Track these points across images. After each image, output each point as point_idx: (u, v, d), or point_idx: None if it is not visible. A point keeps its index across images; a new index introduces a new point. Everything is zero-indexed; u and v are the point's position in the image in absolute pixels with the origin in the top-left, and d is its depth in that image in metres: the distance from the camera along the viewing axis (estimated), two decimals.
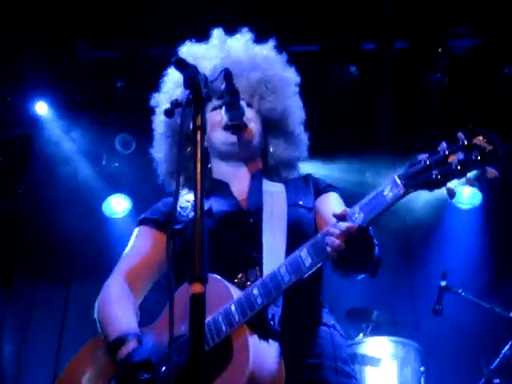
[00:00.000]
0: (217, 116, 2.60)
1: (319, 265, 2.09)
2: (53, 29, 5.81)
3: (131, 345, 2.25)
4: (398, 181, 1.94)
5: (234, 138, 2.60)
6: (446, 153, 1.87)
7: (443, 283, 5.45)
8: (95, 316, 2.50)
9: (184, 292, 1.86)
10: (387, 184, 1.97)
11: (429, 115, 6.22)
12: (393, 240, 7.01)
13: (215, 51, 2.75)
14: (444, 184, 1.89)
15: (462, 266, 5.90)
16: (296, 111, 2.81)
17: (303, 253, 2.08)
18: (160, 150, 2.82)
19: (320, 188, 2.62)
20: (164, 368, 2.17)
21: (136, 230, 2.71)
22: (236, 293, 2.18)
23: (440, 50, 5.97)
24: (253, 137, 2.64)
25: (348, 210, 2.03)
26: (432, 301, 5.47)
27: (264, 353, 2.10)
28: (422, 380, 5.19)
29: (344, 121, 6.49)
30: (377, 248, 2.17)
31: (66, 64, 6.08)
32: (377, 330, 5.65)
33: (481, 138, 1.84)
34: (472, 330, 6.51)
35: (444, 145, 1.89)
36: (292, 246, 2.25)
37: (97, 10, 5.69)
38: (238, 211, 2.51)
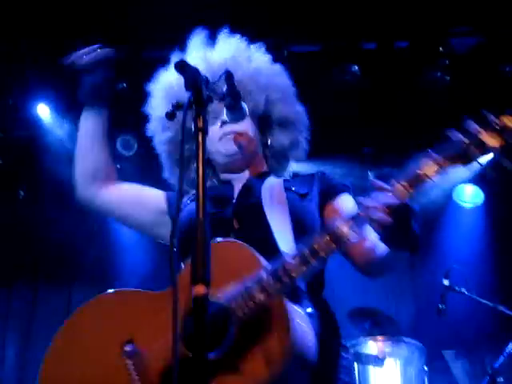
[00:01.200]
0: (215, 130, 2.62)
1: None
2: (54, 30, 5.81)
3: None
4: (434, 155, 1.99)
5: (231, 145, 2.61)
6: (479, 130, 1.96)
7: (446, 282, 5.44)
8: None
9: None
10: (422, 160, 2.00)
11: (430, 115, 6.21)
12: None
13: (212, 51, 2.77)
14: (477, 158, 1.99)
15: (464, 265, 5.88)
16: (289, 97, 2.80)
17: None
18: (163, 152, 2.85)
19: (330, 187, 2.57)
20: None
21: None
22: (265, 262, 2.07)
23: (441, 48, 5.97)
24: (249, 143, 2.65)
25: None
26: (435, 300, 5.47)
27: (300, 321, 2.04)
28: (426, 379, 5.19)
29: (345, 121, 6.49)
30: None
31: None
32: (380, 330, 5.65)
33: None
34: (475, 329, 6.51)
35: (473, 124, 1.97)
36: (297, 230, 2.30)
37: (98, 11, 5.70)
38: (231, 210, 2.49)
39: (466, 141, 1.97)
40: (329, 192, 2.56)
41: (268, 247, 2.24)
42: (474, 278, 6.14)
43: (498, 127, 1.91)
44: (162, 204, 2.68)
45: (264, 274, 1.99)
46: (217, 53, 2.76)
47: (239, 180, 2.66)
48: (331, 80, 6.16)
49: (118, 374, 2.07)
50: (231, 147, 2.62)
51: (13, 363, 7.05)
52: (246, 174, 2.68)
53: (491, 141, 1.93)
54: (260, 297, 1.96)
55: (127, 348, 2.09)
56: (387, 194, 2.00)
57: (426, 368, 5.21)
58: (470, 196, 7.03)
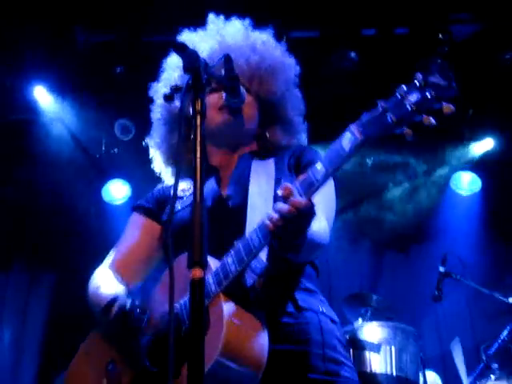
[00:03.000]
0: (213, 98, 2.56)
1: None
2: (51, 12, 5.78)
3: (123, 300, 2.31)
4: (356, 128, 1.91)
5: (228, 118, 2.55)
6: (403, 95, 1.85)
7: (442, 269, 5.46)
8: (88, 303, 2.54)
9: (182, 262, 1.86)
10: (345, 133, 1.94)
11: None
12: (392, 226, 7.04)
13: (212, 35, 2.72)
14: (401, 126, 1.84)
15: (461, 252, 5.90)
16: (295, 100, 2.78)
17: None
18: (157, 137, 2.80)
19: (301, 164, 2.54)
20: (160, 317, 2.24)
21: (130, 217, 2.74)
22: (214, 265, 2.17)
23: (440, 35, 5.95)
24: (248, 122, 2.62)
25: (290, 185, 1.97)
26: (431, 286, 5.49)
27: (243, 321, 2.09)
28: (421, 365, 5.21)
29: (344, 107, 6.47)
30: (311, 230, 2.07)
31: (65, 48, 6.05)
32: (376, 316, 5.66)
33: (437, 74, 1.83)
34: (471, 316, 6.53)
35: (402, 87, 1.87)
36: None
37: None
38: (217, 199, 2.49)
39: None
40: (299, 169, 2.53)
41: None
42: (471, 264, 6.17)
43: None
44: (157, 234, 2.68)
45: (210, 279, 2.13)
46: (218, 37, 2.72)
47: (227, 165, 2.63)
48: (330, 66, 6.14)
49: None
50: (229, 120, 2.56)
51: (10, 346, 7.08)
52: (233, 159, 2.65)
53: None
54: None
55: (109, 367, 2.33)
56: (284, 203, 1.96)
57: (421, 354, 5.23)
58: (467, 183, 7.04)
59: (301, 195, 1.96)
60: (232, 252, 2.13)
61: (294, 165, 2.56)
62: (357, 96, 6.40)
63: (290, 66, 2.78)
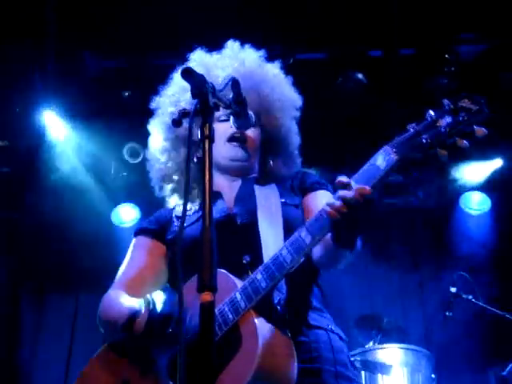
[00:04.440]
0: (222, 127, 2.63)
1: (319, 240, 2.08)
2: (61, 38, 5.83)
3: (145, 312, 2.23)
4: (390, 149, 1.94)
5: (237, 152, 2.63)
6: (434, 118, 1.91)
7: (453, 289, 5.43)
8: (98, 323, 2.51)
9: (191, 287, 1.86)
10: (379, 154, 1.97)
11: None
12: (402, 246, 7.01)
13: (228, 61, 2.77)
14: (435, 147, 1.89)
15: (472, 273, 5.86)
16: (295, 134, 2.86)
17: (303, 232, 2.08)
18: (157, 153, 2.84)
19: (306, 185, 2.62)
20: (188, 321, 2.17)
21: (133, 241, 2.75)
22: (239, 282, 2.18)
23: (447, 55, 5.97)
24: (252, 154, 2.68)
25: (350, 180, 1.99)
26: (443, 307, 5.45)
27: (273, 335, 2.10)
28: None
29: (352, 128, 6.49)
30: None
31: (74, 73, 6.10)
32: (387, 337, 5.63)
33: (466, 100, 1.89)
34: (483, 337, 6.47)
35: (431, 112, 1.93)
36: None
37: (104, 19, 5.71)
38: (226, 215, 2.53)
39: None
40: (305, 189, 2.61)
41: (248, 266, 2.28)
42: (482, 285, 6.12)
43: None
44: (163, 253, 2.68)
45: (237, 295, 2.12)
46: (234, 63, 2.77)
47: (229, 188, 2.67)
48: (337, 87, 6.16)
49: None
50: (237, 153, 2.64)
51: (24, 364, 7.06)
52: (236, 183, 2.68)
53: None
54: (232, 317, 2.11)
55: None
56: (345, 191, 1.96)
57: (433, 376, 5.18)
58: (476, 203, 7.02)
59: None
60: (261, 268, 2.14)
61: (299, 186, 2.63)
62: (364, 116, 6.43)
63: (296, 101, 2.85)
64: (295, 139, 2.84)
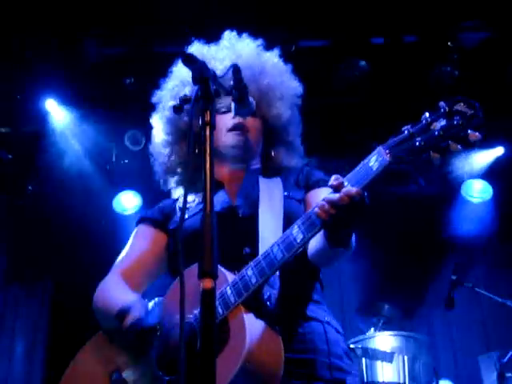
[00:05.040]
0: (223, 118, 2.63)
1: (310, 239, 2.08)
2: (62, 25, 5.82)
3: (137, 311, 2.27)
4: (383, 150, 1.94)
5: (238, 140, 2.63)
6: (429, 121, 1.90)
7: (454, 277, 5.44)
8: (94, 308, 2.53)
9: (191, 274, 1.87)
10: (373, 155, 1.97)
11: None
12: (403, 234, 7.01)
13: (226, 53, 2.76)
14: (428, 150, 1.89)
15: (473, 260, 5.87)
16: (297, 123, 2.85)
17: (294, 230, 2.09)
18: (160, 147, 2.83)
19: (310, 182, 2.62)
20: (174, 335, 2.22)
21: (135, 229, 2.76)
22: (230, 277, 2.20)
23: (450, 43, 5.94)
24: (254, 144, 2.69)
25: (344, 179, 2.00)
26: (443, 295, 5.46)
27: (262, 331, 2.11)
28: (434, 375, 5.18)
29: (354, 116, 6.47)
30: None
31: (76, 60, 6.09)
32: (388, 325, 5.65)
33: (462, 104, 1.88)
34: (484, 324, 6.49)
35: (426, 114, 1.92)
36: None
37: (106, 6, 5.70)
38: (228, 207, 2.53)
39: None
40: (309, 186, 2.60)
41: (246, 259, 2.25)
42: (483, 272, 6.14)
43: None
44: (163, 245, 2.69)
45: (228, 290, 2.14)
46: (232, 55, 2.75)
47: (232, 179, 2.67)
48: (340, 75, 6.14)
49: None
50: (238, 141, 2.63)
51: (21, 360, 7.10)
52: (238, 172, 2.69)
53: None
54: (221, 311, 2.12)
55: (114, 377, 2.35)
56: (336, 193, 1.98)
57: (433, 363, 5.21)
58: (478, 191, 7.01)
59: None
60: (252, 264, 2.15)
61: (304, 182, 2.63)
62: (367, 104, 6.42)
63: (296, 89, 2.84)
64: (297, 128, 2.84)
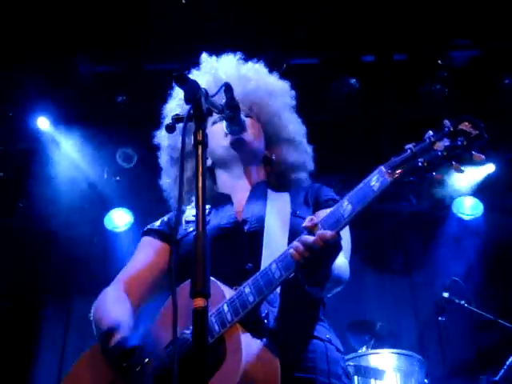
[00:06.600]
0: (217, 128, 2.67)
1: (288, 277, 2.07)
2: (54, 43, 5.83)
3: (122, 332, 2.26)
4: (384, 170, 1.93)
5: (238, 138, 2.64)
6: (432, 140, 1.88)
7: (446, 294, 5.43)
8: (91, 317, 2.51)
9: (183, 292, 1.87)
10: (374, 174, 1.95)
11: (429, 127, 6.22)
12: (395, 251, 7.02)
13: (206, 71, 2.82)
14: (431, 171, 1.87)
15: (464, 277, 5.87)
16: (295, 122, 2.87)
17: (273, 266, 2.08)
18: (168, 179, 2.88)
19: (321, 200, 2.60)
20: (155, 362, 2.19)
21: (140, 241, 2.75)
22: (229, 293, 2.17)
23: (440, 61, 5.99)
24: (254, 139, 2.69)
25: (315, 219, 2.00)
26: (435, 312, 5.46)
27: (258, 352, 2.08)
28: None
29: (345, 133, 6.50)
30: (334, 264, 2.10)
31: (68, 78, 6.09)
32: (380, 342, 5.63)
33: (466, 123, 1.85)
34: (475, 342, 6.48)
35: (430, 133, 1.90)
36: None
37: (98, 24, 5.71)
38: (234, 222, 2.52)
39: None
40: (318, 204, 2.59)
41: (248, 276, 2.23)
42: (474, 290, 6.13)
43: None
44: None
45: (225, 307, 2.11)
46: (213, 70, 2.81)
47: (238, 189, 2.68)
48: (330, 93, 6.17)
49: None
50: (238, 139, 2.64)
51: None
52: (244, 182, 2.69)
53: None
54: (218, 329, 2.10)
55: None
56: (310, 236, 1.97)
57: (426, 381, 5.18)
58: (469, 208, 7.04)
59: (325, 229, 1.97)
60: (250, 282, 2.13)
61: (313, 200, 2.61)
62: (357, 122, 6.44)
63: (285, 89, 2.89)
64: (295, 126, 2.85)
